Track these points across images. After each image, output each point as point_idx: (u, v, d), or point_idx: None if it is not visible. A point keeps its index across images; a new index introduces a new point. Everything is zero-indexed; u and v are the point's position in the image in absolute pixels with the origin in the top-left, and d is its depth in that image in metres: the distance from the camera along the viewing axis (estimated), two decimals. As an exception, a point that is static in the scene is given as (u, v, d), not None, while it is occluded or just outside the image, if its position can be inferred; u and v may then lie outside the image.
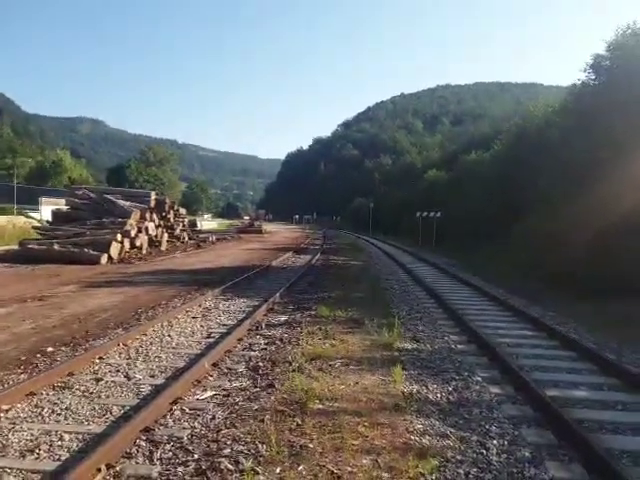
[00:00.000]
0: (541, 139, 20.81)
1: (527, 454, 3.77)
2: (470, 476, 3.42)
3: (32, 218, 37.63)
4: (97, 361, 5.79)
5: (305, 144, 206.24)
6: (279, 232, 53.99)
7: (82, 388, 4.91)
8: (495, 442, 3.95)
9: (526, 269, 15.45)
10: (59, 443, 3.74)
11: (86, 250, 17.12)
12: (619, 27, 16.42)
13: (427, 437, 3.98)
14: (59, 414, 4.28)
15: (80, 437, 3.86)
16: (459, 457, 3.67)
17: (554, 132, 19.47)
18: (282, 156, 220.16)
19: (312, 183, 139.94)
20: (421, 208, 36.35)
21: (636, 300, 9.41)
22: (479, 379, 5.50)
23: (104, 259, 16.89)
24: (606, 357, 6.23)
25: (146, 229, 20.69)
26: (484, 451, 3.79)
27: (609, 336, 7.61)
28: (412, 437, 3.97)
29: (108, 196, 21.99)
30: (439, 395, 4.99)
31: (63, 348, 6.44)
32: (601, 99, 15.36)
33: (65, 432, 3.91)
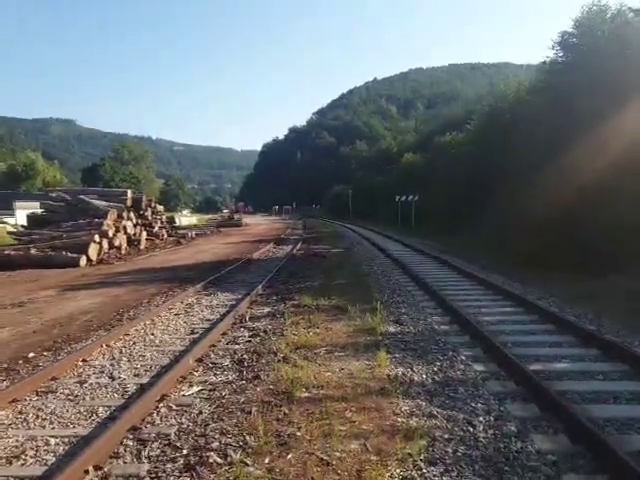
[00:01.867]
0: (513, 118, 21.02)
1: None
2: (458, 454, 3.48)
3: (7, 223, 36.92)
4: (80, 364, 5.72)
5: (281, 134, 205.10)
6: (259, 224, 53.76)
7: (66, 392, 4.86)
8: (481, 419, 4.03)
9: (499, 248, 15.74)
10: (45, 448, 3.71)
11: (64, 253, 16.84)
12: (584, 4, 16.60)
13: (414, 418, 4.04)
14: (44, 419, 4.23)
15: (66, 440, 3.82)
16: (446, 436, 3.73)
17: (525, 110, 19.67)
18: (259, 147, 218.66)
19: (290, 173, 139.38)
20: (399, 192, 36.55)
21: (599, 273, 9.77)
22: (463, 358, 5.58)
23: (83, 261, 16.65)
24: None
25: (124, 228, 20.41)
26: (471, 428, 3.86)
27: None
28: (399, 419, 4.02)
29: (84, 197, 21.62)
30: (424, 376, 5.05)
31: (45, 353, 6.36)
32: (569, 76, 15.56)
33: (51, 436, 3.87)
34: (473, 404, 4.31)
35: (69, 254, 16.76)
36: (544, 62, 19.16)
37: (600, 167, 12.09)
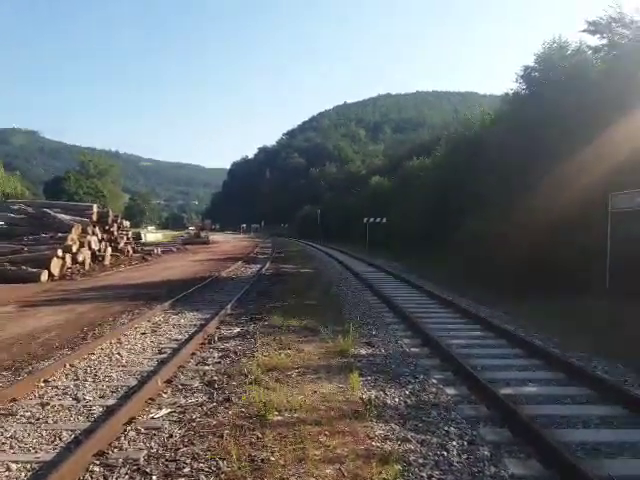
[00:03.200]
0: (478, 144, 21.64)
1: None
2: (433, 479, 3.47)
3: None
4: (42, 385, 5.50)
5: (250, 153, 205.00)
6: (227, 242, 53.33)
7: (27, 414, 4.65)
8: (454, 443, 4.04)
9: (462, 271, 16.06)
10: (6, 474, 3.52)
11: (24, 268, 16.31)
12: (546, 41, 17.38)
13: (388, 442, 4.02)
14: (4, 443, 4.03)
15: (28, 467, 3.64)
16: (421, 460, 3.72)
17: (490, 138, 20.29)
18: (227, 165, 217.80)
19: (259, 192, 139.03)
20: (368, 214, 36.90)
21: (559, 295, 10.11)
22: (434, 381, 5.61)
23: (44, 276, 16.14)
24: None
25: (89, 243, 19.94)
26: (445, 453, 3.87)
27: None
28: (374, 443, 4.00)
29: (47, 210, 21.07)
30: (397, 399, 5.05)
31: (4, 373, 6.09)
32: (530, 108, 16.21)
33: (12, 462, 3.68)
34: (446, 428, 4.33)
35: (30, 269, 16.24)
36: (507, 93, 19.90)
37: (560, 196, 12.55)
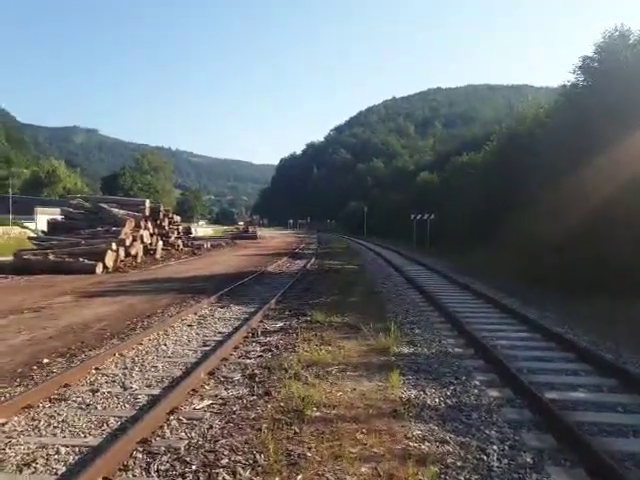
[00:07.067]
0: (532, 140, 20.91)
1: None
2: (470, 482, 3.41)
3: (27, 228, 37.54)
4: (93, 372, 5.75)
5: (298, 149, 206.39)
6: (274, 237, 53.99)
7: (78, 400, 4.87)
8: (495, 447, 3.94)
9: (513, 269, 15.61)
10: (56, 457, 3.71)
11: (81, 260, 17.05)
12: (607, 30, 16.54)
13: (426, 443, 3.97)
14: (56, 427, 4.24)
15: (77, 450, 3.82)
16: (459, 463, 3.65)
17: (544, 132, 19.57)
18: (276, 161, 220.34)
19: (306, 188, 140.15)
20: (415, 210, 36.42)
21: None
22: (477, 382, 5.49)
23: (99, 268, 16.82)
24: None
25: (141, 237, 20.62)
26: (484, 457, 3.78)
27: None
28: (411, 443, 3.95)
29: (103, 205, 21.92)
30: (437, 400, 4.97)
31: (59, 359, 6.40)
32: (590, 100, 15.48)
33: (62, 445, 3.87)
34: (487, 431, 4.23)
35: (86, 261, 16.97)
36: (564, 85, 19.10)
37: (618, 190, 11.98)
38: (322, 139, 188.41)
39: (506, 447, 3.93)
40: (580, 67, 17.40)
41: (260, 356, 6.54)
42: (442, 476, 3.46)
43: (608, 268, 11.34)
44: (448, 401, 4.94)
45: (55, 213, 26.91)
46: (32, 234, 27.38)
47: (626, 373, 5.57)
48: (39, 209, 46.54)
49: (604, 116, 14.02)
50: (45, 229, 22.91)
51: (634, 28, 16.12)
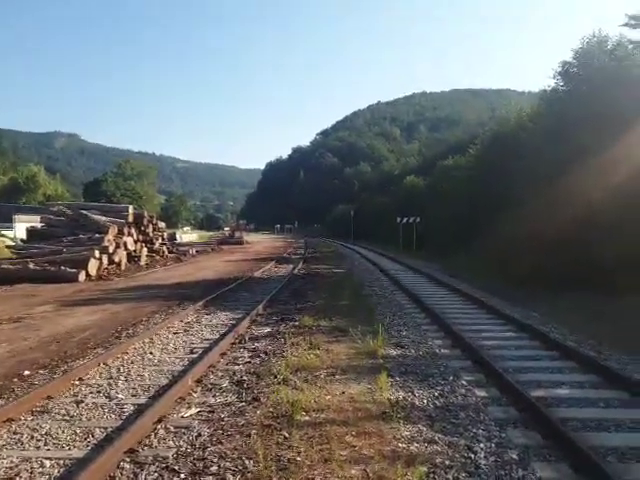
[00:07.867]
0: (514, 144, 21.16)
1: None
2: (459, 481, 3.41)
3: (5, 237, 36.85)
4: (77, 383, 5.65)
5: (284, 153, 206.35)
6: (261, 242, 53.80)
7: (62, 412, 4.78)
8: (482, 445, 3.96)
9: (499, 270, 15.78)
10: (40, 470, 3.63)
11: (63, 268, 16.80)
12: (585, 36, 16.86)
13: (415, 444, 3.97)
14: (39, 440, 4.15)
15: (61, 463, 3.74)
16: (447, 462, 3.66)
17: (527, 136, 19.82)
18: (262, 166, 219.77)
19: (293, 192, 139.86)
20: (401, 214, 36.60)
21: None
22: (464, 382, 5.52)
23: (82, 276, 16.60)
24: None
25: (124, 244, 20.41)
26: (472, 455, 3.80)
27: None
28: (400, 445, 3.95)
29: (84, 212, 21.67)
30: (425, 401, 4.98)
31: (41, 371, 6.28)
32: (569, 105, 15.75)
33: (45, 458, 3.79)
34: (474, 430, 4.24)
35: (68, 269, 16.72)
36: (545, 90, 19.38)
37: (599, 195, 12.20)
38: (308, 143, 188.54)
39: (493, 445, 3.97)
40: (560, 72, 17.70)
41: (248, 362, 6.49)
42: (431, 475, 3.47)
43: (588, 268, 11.53)
44: (436, 402, 4.96)
45: (34, 220, 26.41)
46: (10, 242, 26.94)
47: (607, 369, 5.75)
48: (18, 217, 45.76)
49: (583, 121, 14.28)
50: (24, 237, 22.56)
51: (611, 34, 16.47)
